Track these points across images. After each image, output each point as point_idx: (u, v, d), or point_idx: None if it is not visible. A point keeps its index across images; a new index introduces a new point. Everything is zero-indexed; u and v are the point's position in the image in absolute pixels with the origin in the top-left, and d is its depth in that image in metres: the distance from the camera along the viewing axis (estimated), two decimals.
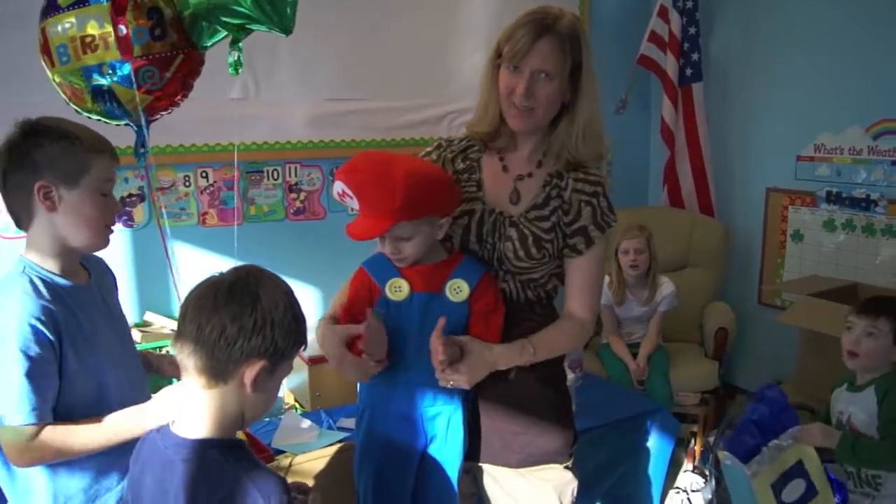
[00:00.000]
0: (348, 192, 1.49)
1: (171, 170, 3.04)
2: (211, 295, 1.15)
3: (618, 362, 3.25)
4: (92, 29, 1.84)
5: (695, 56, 3.83)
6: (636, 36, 3.90)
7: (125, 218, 2.96)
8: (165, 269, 3.04)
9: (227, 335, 1.13)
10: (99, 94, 1.89)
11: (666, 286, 3.31)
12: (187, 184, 3.07)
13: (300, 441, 2.32)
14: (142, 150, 2.00)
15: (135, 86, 1.86)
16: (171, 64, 1.94)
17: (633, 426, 2.57)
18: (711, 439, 2.64)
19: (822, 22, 3.41)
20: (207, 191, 3.13)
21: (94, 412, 1.41)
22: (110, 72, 1.87)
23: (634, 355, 3.25)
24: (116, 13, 1.74)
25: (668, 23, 3.84)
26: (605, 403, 2.59)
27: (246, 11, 1.80)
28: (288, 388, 3.20)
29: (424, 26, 3.51)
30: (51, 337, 1.33)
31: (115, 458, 1.44)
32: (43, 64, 1.94)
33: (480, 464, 1.67)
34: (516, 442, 1.62)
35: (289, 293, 1.21)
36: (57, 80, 1.94)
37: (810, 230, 3.58)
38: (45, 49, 1.89)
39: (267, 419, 2.60)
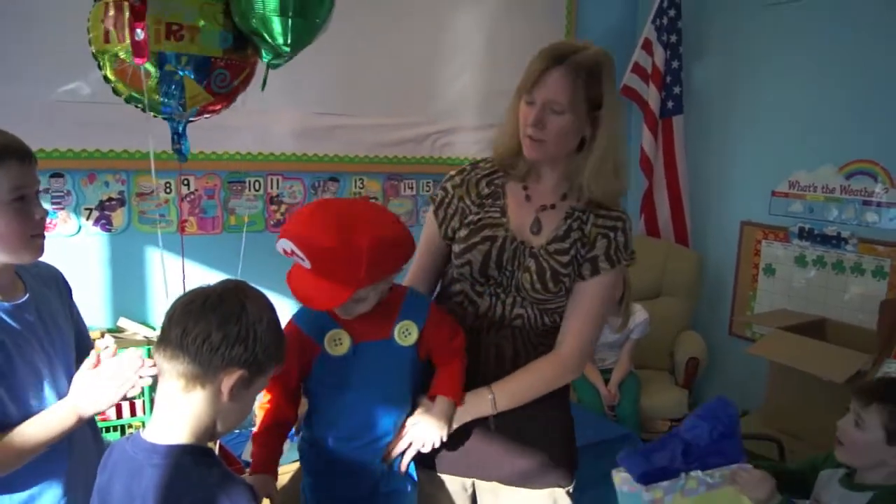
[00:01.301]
0: (299, 253, 1.33)
1: (152, 176, 3.03)
2: (199, 301, 1.17)
3: (589, 387, 3.28)
4: (180, 18, 1.84)
5: (676, 89, 3.91)
6: (620, 67, 3.91)
7: (103, 222, 2.94)
8: (141, 275, 3.03)
9: (211, 341, 1.15)
10: (168, 81, 1.86)
11: (639, 314, 3.34)
12: (168, 191, 3.06)
13: None
14: (176, 147, 1.99)
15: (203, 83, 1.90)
16: (241, 73, 1.98)
17: (602, 451, 2.58)
18: None
19: (802, 63, 3.50)
20: (188, 198, 3.12)
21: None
22: (189, 64, 1.86)
23: (606, 381, 3.28)
24: (136, 18, 1.73)
25: (651, 55, 3.92)
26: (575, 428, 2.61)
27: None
28: (260, 402, 3.18)
29: (412, 47, 3.54)
30: None
31: (46, 486, 1.41)
32: (93, 34, 1.86)
33: (478, 480, 1.66)
34: (519, 460, 1.61)
35: (273, 310, 1.24)
36: (121, 55, 1.87)
37: (782, 265, 3.65)
38: (118, 24, 1.82)
39: (238, 431, 2.59)
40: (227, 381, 1.17)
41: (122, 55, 1.88)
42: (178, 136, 1.97)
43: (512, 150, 1.60)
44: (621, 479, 1.67)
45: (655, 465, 1.60)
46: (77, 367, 1.49)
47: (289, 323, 1.47)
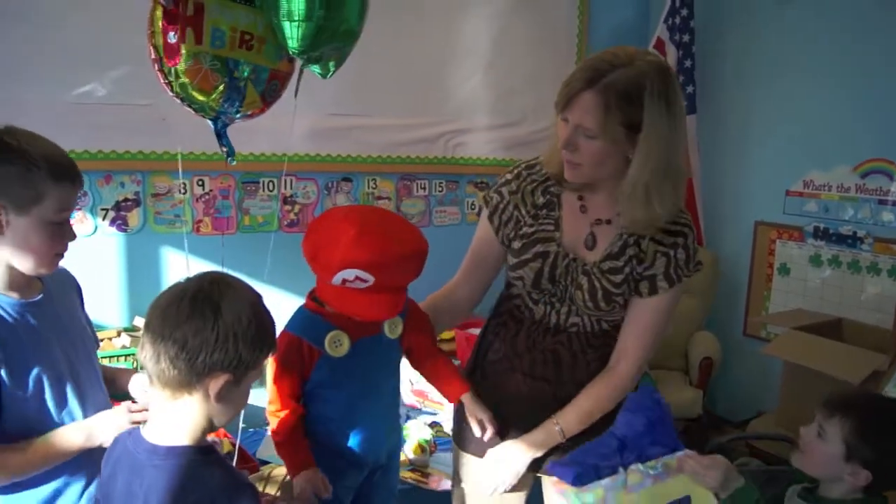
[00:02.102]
0: (363, 276, 1.37)
1: (168, 176, 3.05)
2: (174, 306, 1.13)
3: None
4: (253, 29, 1.87)
5: (689, 89, 3.90)
6: None
7: (119, 222, 2.97)
8: (157, 275, 3.06)
9: (188, 349, 1.11)
10: (234, 87, 1.89)
11: None
12: (183, 191, 3.09)
13: None
14: (224, 150, 2.02)
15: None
16: (286, 83, 2.02)
17: None
18: None
19: (815, 62, 3.48)
20: (203, 199, 3.14)
21: (38, 431, 1.38)
22: (254, 74, 1.89)
23: None
24: (169, 22, 1.75)
25: (664, 55, 3.91)
26: None
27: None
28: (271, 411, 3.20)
29: (424, 47, 3.56)
30: None
31: (71, 477, 1.43)
32: (157, 40, 1.85)
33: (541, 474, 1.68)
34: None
35: (254, 303, 1.18)
36: (193, 54, 1.88)
37: (797, 264, 3.63)
38: (193, 23, 1.81)
39: (252, 430, 2.60)
40: (214, 386, 1.14)
41: (193, 54, 1.87)
42: (220, 137, 2.00)
43: (561, 164, 1.51)
44: (552, 483, 1.60)
45: (588, 464, 1.51)
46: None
47: (285, 334, 1.48)
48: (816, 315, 3.31)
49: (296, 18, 1.86)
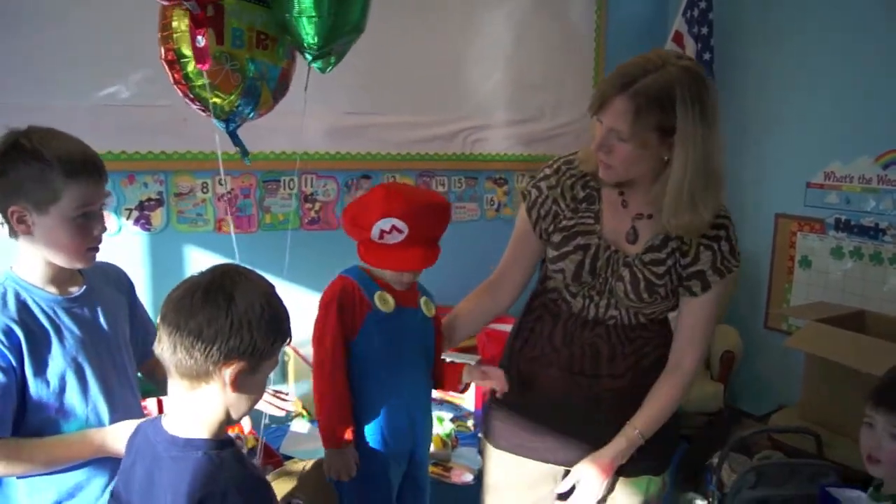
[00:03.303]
0: (400, 226, 1.54)
1: (190, 176, 3.09)
2: (188, 297, 1.15)
3: None
4: (268, 29, 1.91)
5: None
6: None
7: (143, 222, 3.01)
8: (180, 273, 3.09)
9: (203, 338, 1.13)
10: (251, 87, 1.92)
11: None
12: (205, 190, 3.12)
13: (308, 447, 2.35)
14: (238, 150, 2.06)
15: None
16: (290, 80, 2.07)
17: None
18: (716, 461, 2.66)
19: (835, 53, 3.45)
20: (225, 198, 3.17)
21: (61, 427, 1.40)
22: (269, 74, 1.95)
23: None
24: (196, 25, 1.77)
25: (683, 48, 3.89)
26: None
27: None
28: (297, 396, 3.23)
29: (441, 44, 3.57)
30: (8, 356, 1.32)
31: (94, 471, 1.45)
32: (177, 37, 1.86)
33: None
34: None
35: (267, 292, 1.20)
36: (215, 56, 1.91)
37: (818, 257, 3.60)
38: (214, 24, 1.83)
39: (275, 426, 2.64)
40: (231, 374, 1.16)
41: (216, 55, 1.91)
42: (234, 137, 2.03)
43: (597, 164, 1.54)
44: None
45: None
46: (138, 368, 1.55)
47: (342, 277, 1.62)
48: (838, 307, 3.28)
49: (312, 14, 1.89)
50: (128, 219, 2.99)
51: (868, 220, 3.38)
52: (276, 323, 1.19)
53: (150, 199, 3.03)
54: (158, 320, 1.18)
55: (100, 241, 1.45)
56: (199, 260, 3.10)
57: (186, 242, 3.11)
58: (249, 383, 1.20)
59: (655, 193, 1.50)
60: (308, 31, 1.89)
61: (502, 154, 3.81)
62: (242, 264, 1.24)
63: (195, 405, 1.19)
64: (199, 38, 1.78)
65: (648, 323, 1.62)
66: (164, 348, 1.16)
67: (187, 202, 3.10)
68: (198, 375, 1.16)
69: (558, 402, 1.64)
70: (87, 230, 1.40)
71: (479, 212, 3.81)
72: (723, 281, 1.55)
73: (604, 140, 1.45)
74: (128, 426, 1.41)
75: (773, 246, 3.81)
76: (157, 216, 3.05)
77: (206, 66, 1.80)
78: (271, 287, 1.23)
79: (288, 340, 1.25)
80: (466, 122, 3.67)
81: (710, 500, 2.70)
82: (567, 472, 1.67)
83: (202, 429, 1.19)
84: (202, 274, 1.20)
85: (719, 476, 2.60)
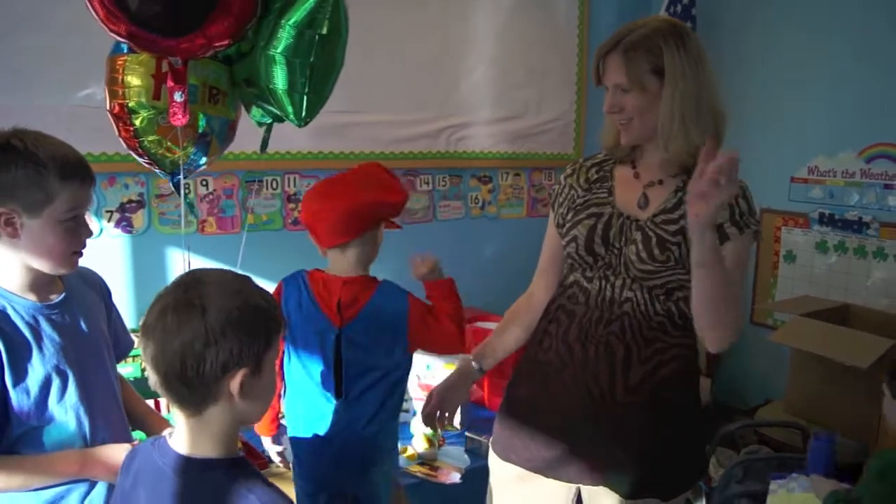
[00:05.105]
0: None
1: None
2: (160, 327, 1.10)
3: None
4: (220, 84, 1.92)
5: None
6: None
7: (124, 224, 2.98)
8: (163, 276, 3.06)
9: (192, 363, 1.08)
10: (202, 141, 1.95)
11: None
12: (187, 191, 3.09)
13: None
14: (189, 202, 2.10)
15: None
16: (236, 128, 2.12)
17: None
18: None
19: (817, 48, 3.46)
20: (207, 199, 3.15)
21: (43, 438, 1.38)
22: (218, 128, 1.97)
23: None
24: (175, 81, 1.76)
25: None
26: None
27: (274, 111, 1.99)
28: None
29: (425, 41, 3.54)
30: None
31: (73, 485, 1.42)
32: (137, 86, 1.86)
33: (584, 486, 1.66)
34: (623, 468, 1.60)
35: (239, 290, 1.14)
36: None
37: (803, 251, 3.62)
38: (179, 77, 1.82)
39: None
40: (235, 386, 1.11)
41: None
42: (178, 189, 2.07)
43: (616, 137, 1.66)
44: None
45: None
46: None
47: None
48: (823, 301, 3.29)
49: (298, 91, 1.90)
50: (108, 221, 2.95)
51: (852, 214, 3.39)
52: (259, 317, 1.14)
53: (130, 201, 3.00)
54: (141, 351, 1.13)
55: (84, 246, 1.44)
56: (181, 262, 3.06)
57: (168, 244, 3.07)
58: (257, 386, 1.15)
59: (662, 156, 1.59)
60: (297, 108, 2.01)
61: (487, 152, 3.80)
62: (223, 265, 1.21)
63: (203, 426, 1.14)
64: (178, 93, 1.79)
65: (667, 321, 1.59)
66: (158, 385, 1.11)
67: (169, 204, 3.06)
68: (203, 401, 1.11)
69: (567, 417, 1.61)
70: (75, 234, 1.40)
71: (464, 210, 3.79)
72: (741, 237, 1.55)
73: (612, 99, 1.57)
74: (112, 450, 1.39)
75: (757, 240, 3.81)
76: (139, 218, 3.01)
77: (183, 122, 1.80)
78: (240, 280, 1.17)
79: (284, 324, 1.21)
80: (451, 120, 3.65)
81: (698, 494, 2.70)
82: (578, 490, 1.66)
83: (217, 447, 1.15)
84: (165, 292, 1.14)
85: (707, 470, 2.60)
